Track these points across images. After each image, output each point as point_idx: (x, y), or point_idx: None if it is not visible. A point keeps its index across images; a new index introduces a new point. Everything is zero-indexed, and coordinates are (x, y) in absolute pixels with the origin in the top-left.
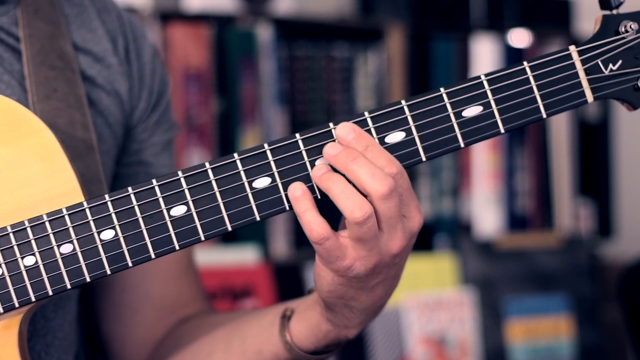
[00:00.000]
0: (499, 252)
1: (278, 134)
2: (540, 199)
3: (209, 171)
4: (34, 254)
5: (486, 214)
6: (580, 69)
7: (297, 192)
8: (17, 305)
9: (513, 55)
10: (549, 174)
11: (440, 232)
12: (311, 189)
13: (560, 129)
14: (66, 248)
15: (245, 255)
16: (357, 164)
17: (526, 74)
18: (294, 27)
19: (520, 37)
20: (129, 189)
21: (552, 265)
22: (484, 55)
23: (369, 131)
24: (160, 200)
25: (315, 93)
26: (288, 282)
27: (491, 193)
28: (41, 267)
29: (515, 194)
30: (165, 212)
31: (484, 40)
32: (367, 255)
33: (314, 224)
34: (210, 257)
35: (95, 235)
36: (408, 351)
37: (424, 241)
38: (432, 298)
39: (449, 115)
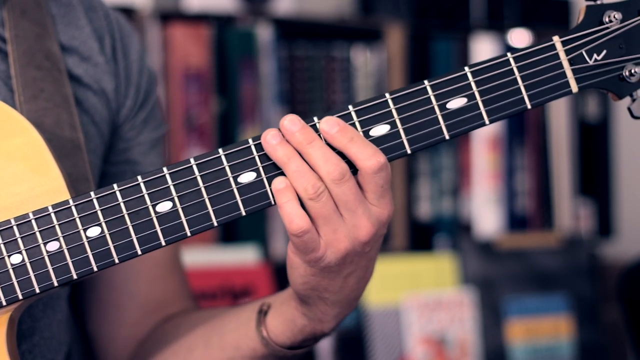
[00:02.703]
0: (499, 252)
1: None
2: (540, 199)
3: (194, 167)
4: (20, 252)
5: (486, 214)
6: (564, 59)
7: (280, 185)
8: (4, 303)
9: None
10: (549, 174)
11: (440, 232)
12: None
13: (560, 129)
14: (52, 246)
15: (245, 255)
16: (312, 147)
17: (510, 65)
18: (294, 27)
19: (520, 37)
20: (115, 186)
21: (552, 265)
22: (484, 55)
23: (353, 124)
24: (146, 196)
25: (315, 93)
26: (288, 282)
27: (491, 193)
28: (28, 265)
29: (515, 194)
30: (150, 208)
31: (484, 40)
32: (334, 239)
33: (294, 215)
34: (210, 257)
35: (82, 232)
36: (408, 351)
37: (424, 241)
38: (432, 298)
39: (433, 107)
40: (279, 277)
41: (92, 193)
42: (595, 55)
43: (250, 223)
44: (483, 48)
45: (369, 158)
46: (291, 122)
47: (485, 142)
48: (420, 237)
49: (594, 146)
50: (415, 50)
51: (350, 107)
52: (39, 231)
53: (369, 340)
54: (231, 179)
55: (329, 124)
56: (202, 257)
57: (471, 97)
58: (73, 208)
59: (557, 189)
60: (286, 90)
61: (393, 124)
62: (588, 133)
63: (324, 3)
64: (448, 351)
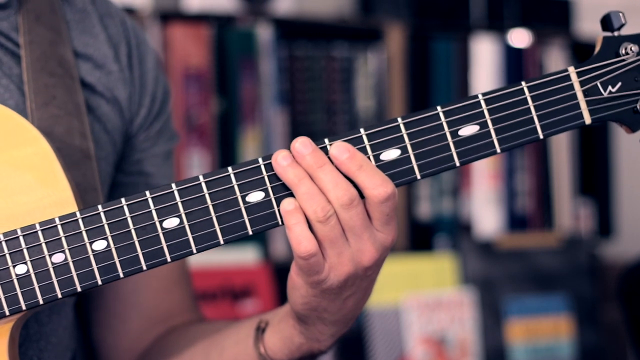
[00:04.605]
0: (499, 252)
1: (278, 134)
2: (540, 199)
3: (203, 184)
4: (25, 263)
5: (486, 214)
6: (578, 90)
7: (290, 207)
8: (7, 313)
9: (513, 56)
10: (549, 174)
11: (440, 232)
12: None
13: None
14: (58, 257)
15: (245, 255)
16: (323, 171)
17: (524, 94)
18: (294, 27)
19: (520, 37)
20: (122, 200)
21: (552, 265)
22: (484, 55)
23: (364, 148)
24: (153, 212)
25: (315, 93)
26: (287, 282)
27: (491, 193)
28: (32, 276)
29: (515, 194)
30: (157, 224)
31: (484, 40)
32: (338, 263)
33: (303, 238)
34: (210, 257)
35: (87, 245)
36: (408, 351)
37: (424, 241)
38: (432, 298)
39: (445, 134)
40: (279, 277)
41: (99, 206)
42: (610, 87)
43: None
44: (483, 48)
45: (377, 187)
46: (302, 145)
47: None
48: (420, 237)
49: (594, 146)
50: (415, 50)
51: (361, 130)
52: (45, 242)
53: (369, 340)
54: (239, 198)
55: (339, 150)
56: (202, 257)
57: (483, 125)
58: (80, 221)
59: (557, 189)
60: (286, 90)
61: (404, 149)
62: (588, 133)
63: (324, 3)
64: (448, 351)
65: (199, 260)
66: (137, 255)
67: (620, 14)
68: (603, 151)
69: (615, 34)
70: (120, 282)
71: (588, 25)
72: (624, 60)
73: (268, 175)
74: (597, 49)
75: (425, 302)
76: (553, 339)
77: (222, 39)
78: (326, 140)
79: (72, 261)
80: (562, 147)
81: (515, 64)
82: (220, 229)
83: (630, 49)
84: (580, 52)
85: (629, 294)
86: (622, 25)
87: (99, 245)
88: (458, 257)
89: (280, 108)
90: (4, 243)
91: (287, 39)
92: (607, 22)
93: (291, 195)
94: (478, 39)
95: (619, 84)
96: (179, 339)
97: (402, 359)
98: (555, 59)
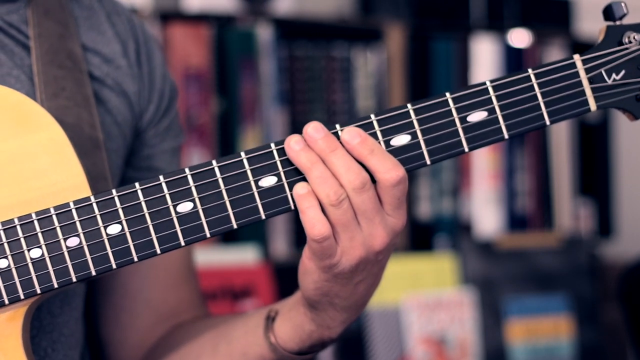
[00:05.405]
0: (499, 252)
1: (278, 134)
2: (540, 199)
3: (216, 169)
4: (40, 247)
5: (486, 214)
6: (584, 77)
7: (303, 190)
8: (22, 297)
9: (513, 56)
10: (549, 174)
11: (440, 232)
12: None
13: (560, 129)
14: (72, 241)
15: (245, 255)
16: (335, 155)
17: (531, 81)
18: (294, 27)
19: (520, 37)
20: (136, 184)
21: (552, 265)
22: (484, 55)
23: (374, 134)
24: (167, 196)
25: (315, 93)
26: (288, 282)
27: (491, 193)
28: (47, 259)
29: (515, 194)
30: (171, 208)
31: (484, 40)
32: (350, 247)
33: (317, 221)
34: (210, 257)
35: (102, 229)
36: (408, 351)
37: (424, 241)
38: (432, 298)
39: (454, 119)
40: (279, 277)
41: (113, 191)
42: (614, 75)
43: None
44: (483, 48)
45: (388, 171)
46: (315, 130)
47: None
48: (420, 237)
49: (594, 146)
50: (415, 50)
51: (372, 116)
52: (60, 226)
53: (369, 341)
54: (252, 183)
55: (351, 135)
56: (202, 257)
57: (491, 111)
58: (94, 205)
59: (557, 189)
60: (286, 90)
61: (414, 135)
62: (588, 133)
63: (324, 3)
64: (448, 351)
65: (199, 260)
66: (151, 239)
67: (622, 4)
68: (603, 151)
69: (618, 23)
70: (129, 277)
71: (588, 25)
72: (627, 48)
73: (280, 160)
74: (601, 37)
75: (425, 302)
76: (553, 339)
77: (222, 39)
78: (337, 126)
79: (87, 245)
80: (562, 147)
81: (515, 64)
82: (233, 213)
83: (633, 38)
84: (581, 52)
85: (629, 294)
86: (624, 15)
87: (114, 229)
88: (458, 257)
89: (280, 108)
90: (18, 227)
91: (287, 39)
92: (609, 12)
93: (303, 179)
94: (478, 39)
95: (623, 71)
96: (186, 333)
97: (402, 359)
98: (555, 59)
